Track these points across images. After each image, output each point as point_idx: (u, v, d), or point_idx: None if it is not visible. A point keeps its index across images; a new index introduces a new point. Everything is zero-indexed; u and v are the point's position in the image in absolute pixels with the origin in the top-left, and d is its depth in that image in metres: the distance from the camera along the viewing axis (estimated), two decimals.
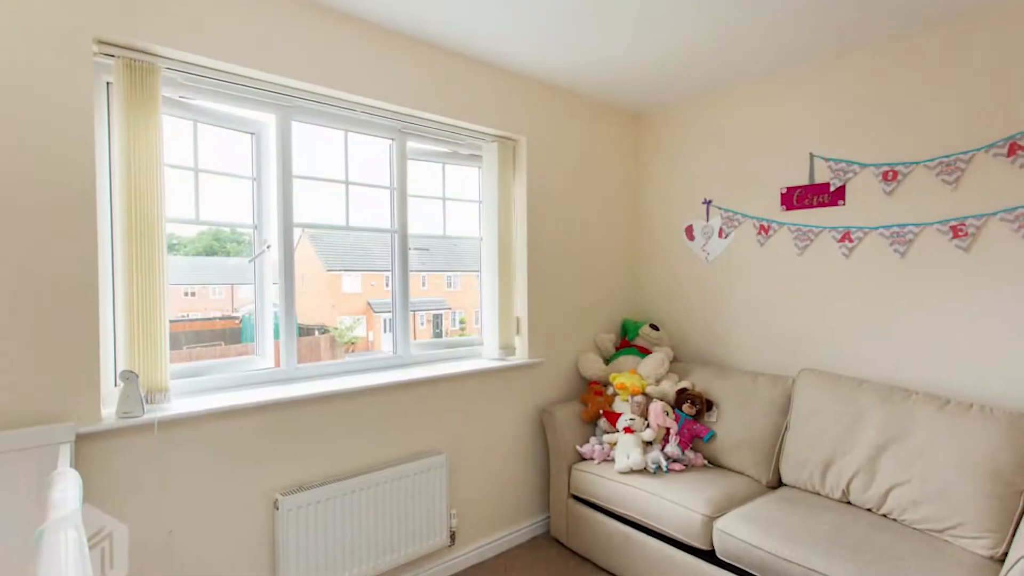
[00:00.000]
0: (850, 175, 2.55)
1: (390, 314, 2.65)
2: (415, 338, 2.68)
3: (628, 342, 3.20)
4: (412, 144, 2.63)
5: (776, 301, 2.85)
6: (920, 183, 2.35)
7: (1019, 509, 1.83)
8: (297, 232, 2.27)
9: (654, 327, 3.18)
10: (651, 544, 2.35)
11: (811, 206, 2.69)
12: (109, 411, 1.78)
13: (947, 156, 2.26)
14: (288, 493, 2.03)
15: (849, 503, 2.22)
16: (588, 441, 2.84)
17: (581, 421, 2.88)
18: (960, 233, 2.23)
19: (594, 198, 3.25)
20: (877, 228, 2.48)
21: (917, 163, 2.35)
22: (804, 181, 2.72)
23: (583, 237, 3.18)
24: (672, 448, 2.58)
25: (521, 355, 2.93)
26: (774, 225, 2.83)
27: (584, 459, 2.77)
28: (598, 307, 3.28)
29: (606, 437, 2.73)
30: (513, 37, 2.38)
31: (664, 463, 2.51)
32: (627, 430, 2.63)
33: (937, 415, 2.06)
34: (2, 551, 1.39)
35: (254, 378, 2.17)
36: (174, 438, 1.83)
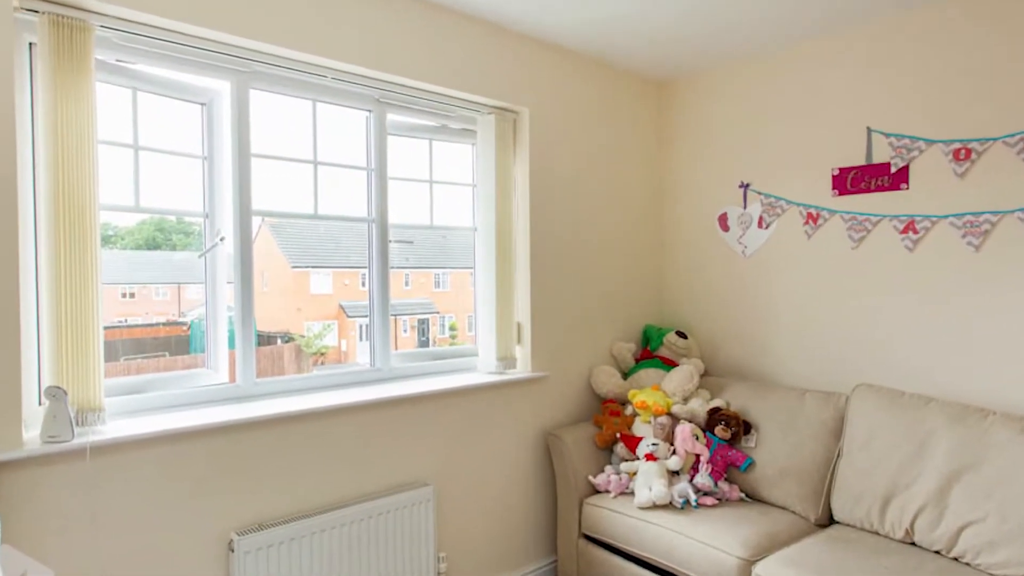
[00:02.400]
0: (915, 153, 2.55)
1: (367, 319, 2.65)
2: (397, 347, 2.68)
3: (650, 352, 3.21)
4: (393, 117, 2.63)
5: (826, 303, 2.85)
6: (999, 163, 2.35)
7: None
8: (256, 221, 2.28)
9: (681, 335, 3.19)
10: None
11: (868, 190, 2.69)
12: (32, 434, 1.78)
13: None
14: (245, 532, 2.03)
15: (913, 544, 2.22)
16: (603, 470, 2.84)
17: (595, 446, 2.88)
18: None
19: (609, 181, 3.25)
20: (947, 216, 2.48)
21: (995, 139, 2.36)
22: (860, 161, 2.73)
23: (597, 227, 3.19)
24: (703, 479, 2.58)
25: (523, 368, 2.94)
26: (824, 213, 2.84)
27: (598, 492, 2.77)
28: (614, 311, 3.29)
29: (624, 465, 2.73)
30: None
31: (693, 496, 2.51)
32: (649, 457, 2.64)
33: (1018, 439, 2.06)
34: None
35: (205, 395, 2.17)
36: (110, 466, 1.83)
